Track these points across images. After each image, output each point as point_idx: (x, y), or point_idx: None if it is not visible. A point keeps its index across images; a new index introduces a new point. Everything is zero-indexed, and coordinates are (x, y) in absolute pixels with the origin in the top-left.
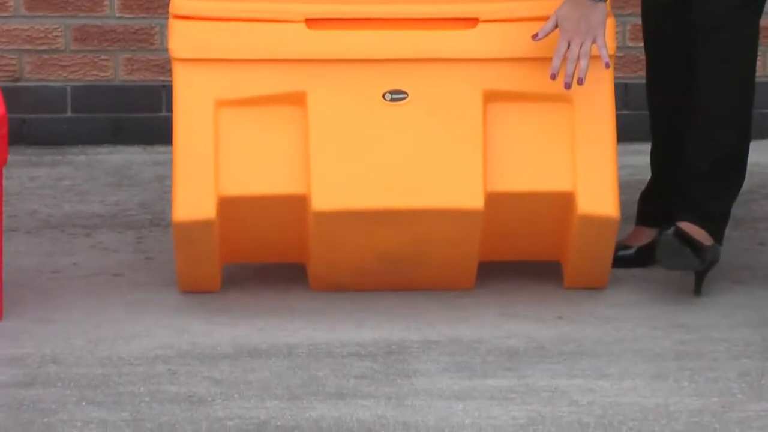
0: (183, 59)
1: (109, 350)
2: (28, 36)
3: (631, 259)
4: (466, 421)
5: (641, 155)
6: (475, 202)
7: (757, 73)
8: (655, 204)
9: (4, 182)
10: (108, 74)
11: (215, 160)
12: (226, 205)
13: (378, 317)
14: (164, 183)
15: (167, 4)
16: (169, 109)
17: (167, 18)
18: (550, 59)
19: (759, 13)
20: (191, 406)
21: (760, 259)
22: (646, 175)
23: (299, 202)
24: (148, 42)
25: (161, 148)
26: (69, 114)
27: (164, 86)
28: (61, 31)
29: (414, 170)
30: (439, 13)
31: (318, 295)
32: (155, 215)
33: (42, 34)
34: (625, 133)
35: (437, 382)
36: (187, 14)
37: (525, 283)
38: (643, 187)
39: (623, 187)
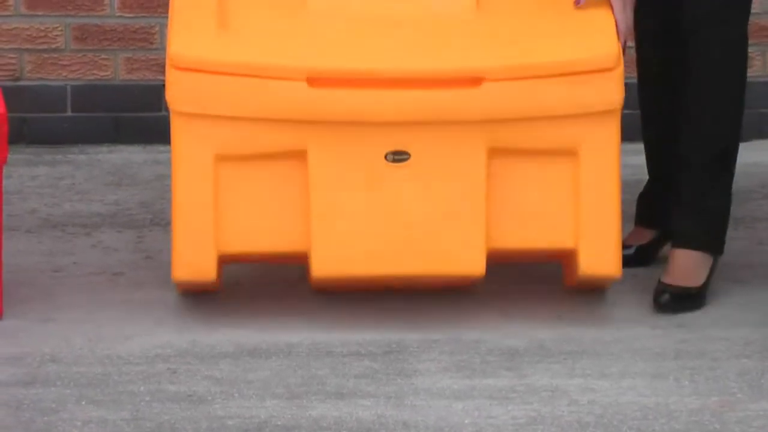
0: (182, 113)
1: (109, 349)
2: (28, 35)
3: (630, 258)
4: (466, 421)
5: (641, 155)
6: (477, 268)
7: (756, 73)
8: (652, 205)
9: (4, 181)
10: (108, 73)
11: (215, 217)
12: (226, 258)
13: (378, 316)
14: (164, 182)
15: (167, 4)
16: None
17: (167, 17)
18: (555, 117)
19: (747, 11)
20: (191, 405)
21: (761, 258)
22: (646, 174)
23: (300, 256)
24: (148, 41)
25: (161, 147)
26: (69, 113)
27: (164, 86)
28: (61, 31)
29: (415, 234)
30: (444, 73)
31: (318, 293)
32: (155, 214)
33: (42, 34)
34: (625, 133)
35: (437, 381)
36: (187, 66)
37: (525, 283)
38: (642, 187)
39: (623, 186)
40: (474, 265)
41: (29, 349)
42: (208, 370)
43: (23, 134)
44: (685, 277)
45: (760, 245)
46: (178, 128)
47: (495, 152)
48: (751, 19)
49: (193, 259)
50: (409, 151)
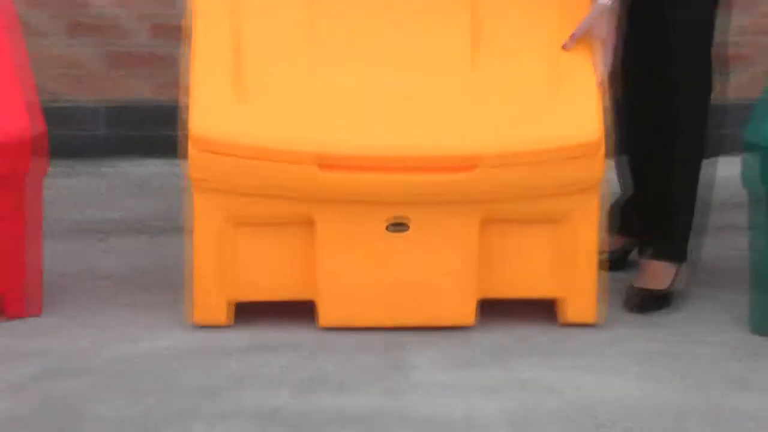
0: (201, 186)
1: (131, 345)
2: (66, 60)
3: (608, 263)
4: (458, 412)
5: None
6: (467, 319)
7: (716, 98)
8: (630, 215)
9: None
10: (137, 95)
11: (229, 271)
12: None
13: None
14: (183, 194)
15: (189, 33)
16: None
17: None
18: (542, 195)
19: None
20: (207, 396)
21: (735, 264)
22: (617, 188)
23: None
24: (173, 67)
25: (182, 162)
26: (102, 131)
27: (185, 106)
28: (96, 56)
29: (411, 292)
30: (441, 159)
31: None
32: (176, 222)
33: (79, 59)
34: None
35: (432, 375)
36: (206, 148)
37: None
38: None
39: (611, 197)
40: (465, 317)
41: (58, 344)
42: (222, 365)
43: (60, 149)
44: (653, 282)
45: (734, 251)
46: (197, 197)
47: (486, 222)
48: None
49: (209, 307)
50: (408, 223)
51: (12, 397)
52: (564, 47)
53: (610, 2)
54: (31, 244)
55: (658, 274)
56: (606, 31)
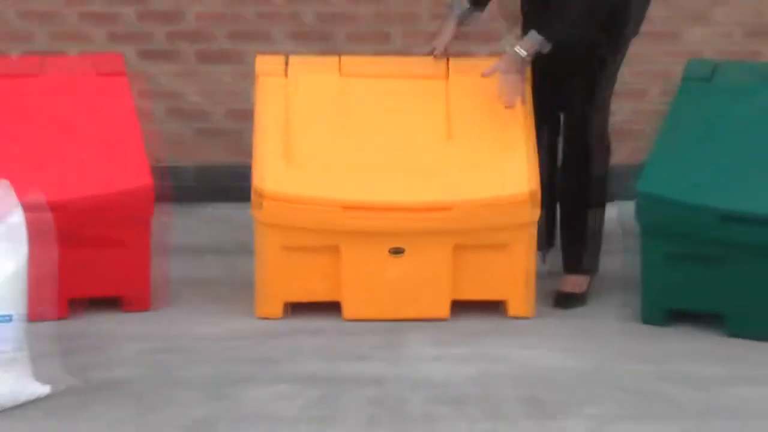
0: (263, 223)
1: (213, 329)
2: (169, 135)
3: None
4: (439, 376)
5: None
6: (444, 313)
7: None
8: (550, 237)
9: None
10: (218, 159)
11: (282, 281)
12: (288, 302)
13: None
14: (251, 228)
15: (252, 115)
16: None
17: (252, 123)
18: (495, 228)
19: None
20: (263, 365)
21: (629, 275)
22: None
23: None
24: (243, 139)
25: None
26: (194, 183)
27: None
28: (189, 132)
29: (406, 294)
30: (426, 204)
31: None
32: (247, 247)
33: (178, 134)
34: None
35: (422, 351)
36: (267, 197)
37: None
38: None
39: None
40: (442, 312)
41: (159, 329)
42: (273, 344)
43: (167, 197)
44: (570, 288)
45: (628, 266)
46: (260, 231)
47: (457, 247)
48: None
49: (268, 305)
50: (405, 248)
51: (128, 365)
52: (485, 74)
53: (520, 53)
54: (156, 262)
55: (573, 282)
56: (515, 73)
